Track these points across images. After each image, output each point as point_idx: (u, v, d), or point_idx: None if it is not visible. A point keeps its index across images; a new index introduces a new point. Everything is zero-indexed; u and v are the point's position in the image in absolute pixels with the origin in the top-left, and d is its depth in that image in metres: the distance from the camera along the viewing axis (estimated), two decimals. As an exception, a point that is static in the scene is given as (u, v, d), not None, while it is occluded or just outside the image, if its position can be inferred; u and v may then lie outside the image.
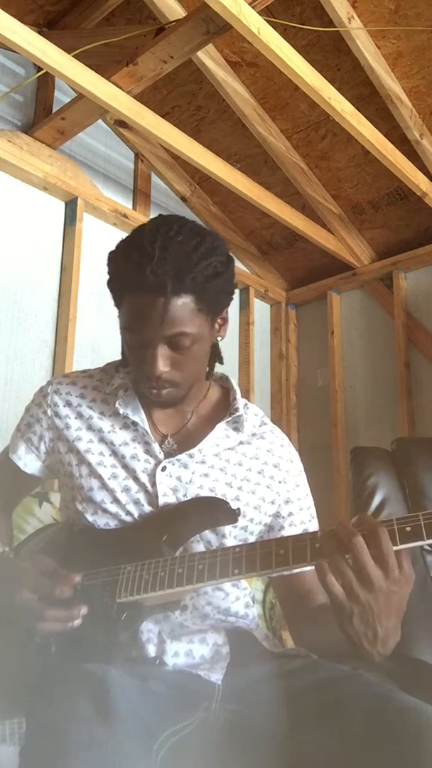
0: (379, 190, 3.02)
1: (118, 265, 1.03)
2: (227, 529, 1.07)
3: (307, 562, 0.88)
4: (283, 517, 1.16)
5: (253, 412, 1.21)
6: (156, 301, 0.97)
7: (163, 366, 1.02)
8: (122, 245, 1.04)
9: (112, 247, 1.06)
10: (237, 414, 1.14)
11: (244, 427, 1.15)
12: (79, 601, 0.95)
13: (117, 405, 1.12)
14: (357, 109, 2.36)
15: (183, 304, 0.98)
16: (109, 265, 1.06)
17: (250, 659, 1.04)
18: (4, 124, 2.54)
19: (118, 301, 1.04)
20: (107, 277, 1.06)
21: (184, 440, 1.13)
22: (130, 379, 1.15)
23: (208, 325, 1.05)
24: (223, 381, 1.23)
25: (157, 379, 1.03)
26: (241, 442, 1.15)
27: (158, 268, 0.96)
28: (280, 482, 1.16)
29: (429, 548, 1.55)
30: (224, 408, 1.17)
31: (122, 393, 1.14)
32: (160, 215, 1.08)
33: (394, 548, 0.84)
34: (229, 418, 1.14)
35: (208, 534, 1.07)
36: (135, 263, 0.98)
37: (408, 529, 0.85)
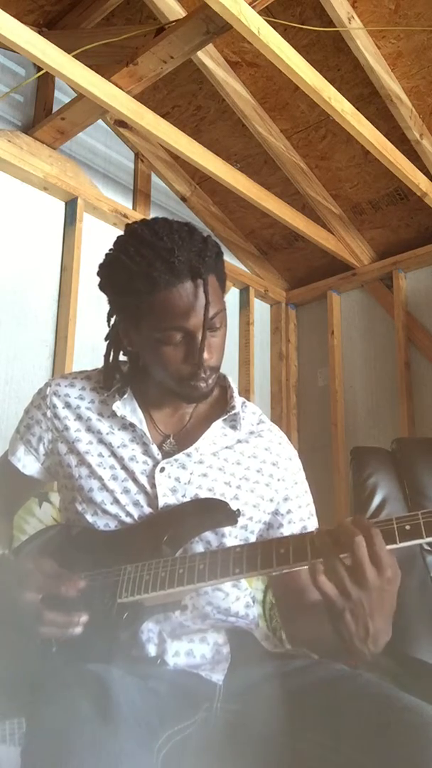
0: (379, 190, 3.02)
1: (137, 267, 0.99)
2: (227, 528, 1.07)
3: (307, 561, 0.89)
4: (282, 515, 1.16)
5: (251, 411, 1.21)
6: (196, 285, 0.99)
7: (209, 352, 1.02)
8: (127, 251, 1.01)
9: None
10: (233, 412, 1.14)
11: (241, 425, 1.15)
12: (81, 607, 0.94)
13: (115, 407, 1.11)
14: (357, 109, 2.36)
15: (212, 282, 1.02)
16: (116, 276, 1.04)
17: (251, 659, 1.04)
18: (4, 124, 2.54)
19: (145, 306, 1.01)
20: (116, 292, 1.06)
21: (184, 440, 1.13)
22: (147, 386, 1.14)
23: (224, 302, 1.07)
24: (221, 380, 1.22)
25: (205, 370, 1.03)
26: (239, 441, 1.15)
27: (181, 255, 0.97)
28: (278, 480, 1.16)
29: (429, 548, 1.56)
30: (222, 407, 1.17)
31: (120, 395, 1.14)
32: (130, 223, 1.07)
33: (395, 546, 0.85)
34: (226, 416, 1.14)
35: (208, 534, 1.07)
36: (157, 258, 0.97)
37: (407, 527, 0.86)
